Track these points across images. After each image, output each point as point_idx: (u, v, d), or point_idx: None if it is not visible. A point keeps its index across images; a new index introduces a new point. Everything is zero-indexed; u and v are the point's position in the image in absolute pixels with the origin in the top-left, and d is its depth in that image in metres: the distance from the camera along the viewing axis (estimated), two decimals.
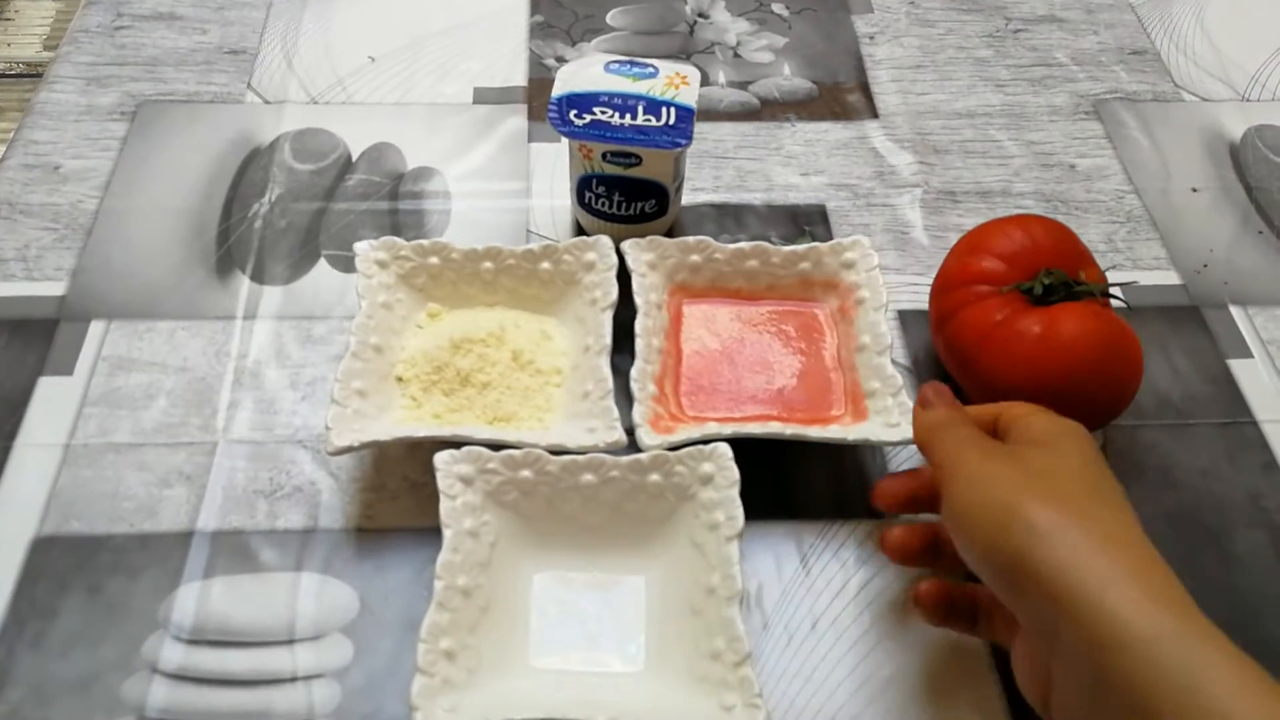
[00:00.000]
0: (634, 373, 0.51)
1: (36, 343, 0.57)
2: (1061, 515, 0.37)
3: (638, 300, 0.54)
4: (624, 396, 0.51)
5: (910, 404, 0.50)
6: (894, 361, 0.53)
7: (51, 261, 0.62)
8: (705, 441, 0.48)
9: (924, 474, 0.46)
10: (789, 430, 0.50)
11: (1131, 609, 0.34)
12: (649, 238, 0.57)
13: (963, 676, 0.47)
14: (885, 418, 0.51)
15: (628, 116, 0.56)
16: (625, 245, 0.56)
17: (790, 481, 0.53)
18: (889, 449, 0.55)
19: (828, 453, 0.54)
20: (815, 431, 0.50)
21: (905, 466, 0.54)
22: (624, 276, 0.55)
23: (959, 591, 0.45)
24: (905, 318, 0.61)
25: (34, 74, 1.66)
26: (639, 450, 0.49)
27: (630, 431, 0.50)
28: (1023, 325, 0.50)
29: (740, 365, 0.55)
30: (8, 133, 0.71)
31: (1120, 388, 0.52)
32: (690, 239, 0.57)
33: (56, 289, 0.60)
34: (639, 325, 0.53)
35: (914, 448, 0.48)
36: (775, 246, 0.58)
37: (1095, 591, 0.34)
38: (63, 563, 0.49)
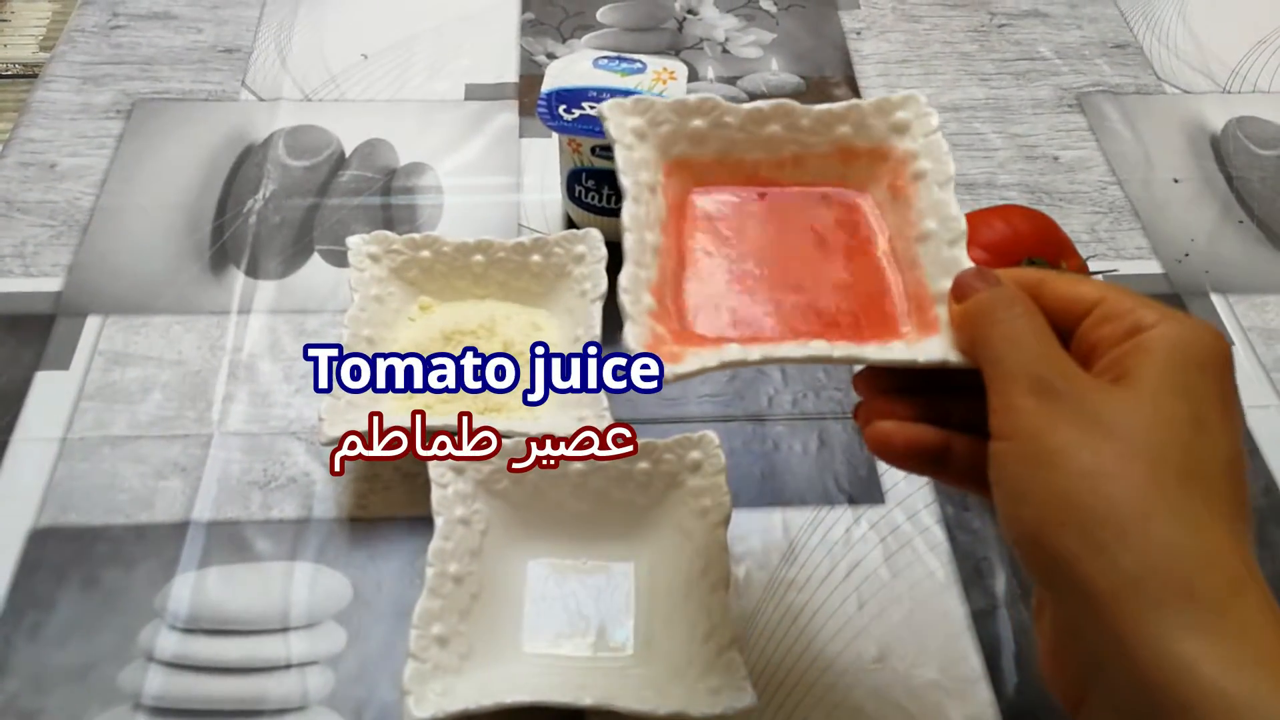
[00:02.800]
0: (623, 280, 0.37)
1: (33, 338, 0.58)
2: (1135, 515, 0.28)
3: (624, 181, 0.40)
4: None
5: None
6: None
7: (48, 258, 0.62)
8: (724, 367, 0.36)
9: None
10: (837, 351, 0.36)
11: (1209, 660, 0.26)
12: (635, 98, 0.42)
13: (949, 657, 0.48)
14: None
15: None
16: (605, 107, 0.42)
17: (778, 466, 0.54)
18: None
19: (816, 434, 0.55)
20: (873, 351, 0.36)
21: None
22: (614, 267, 0.54)
23: (936, 439, 0.35)
24: None
25: (30, 74, 1.66)
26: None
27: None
28: None
29: (765, 269, 0.40)
30: (4, 132, 0.72)
31: None
32: (691, 98, 0.42)
33: (53, 285, 0.61)
34: (626, 214, 0.39)
35: None
36: (805, 106, 0.42)
37: (1159, 630, 0.26)
38: (60, 554, 0.50)
